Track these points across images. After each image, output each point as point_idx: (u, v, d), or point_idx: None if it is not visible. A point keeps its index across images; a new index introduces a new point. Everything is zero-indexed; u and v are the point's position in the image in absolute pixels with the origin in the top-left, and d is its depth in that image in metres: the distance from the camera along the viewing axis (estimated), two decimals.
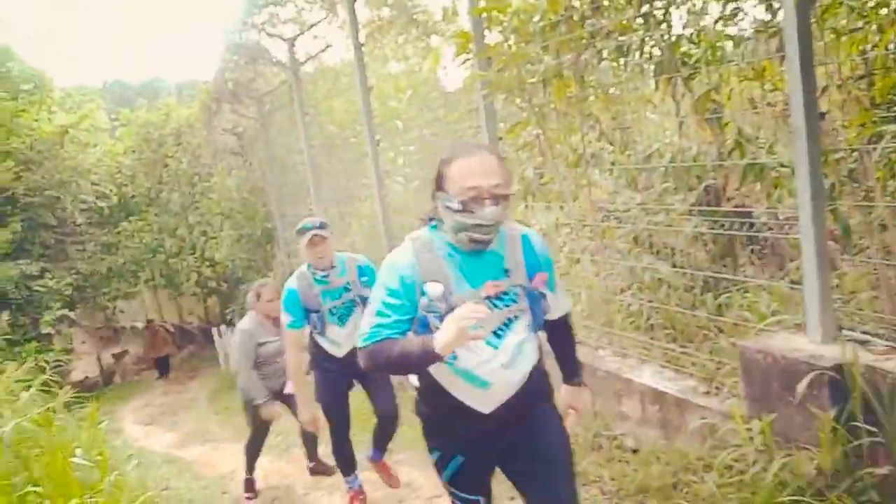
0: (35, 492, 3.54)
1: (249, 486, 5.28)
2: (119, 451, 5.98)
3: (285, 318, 3.99)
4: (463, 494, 2.37)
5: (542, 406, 2.36)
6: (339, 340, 4.07)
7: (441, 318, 2.06)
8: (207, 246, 15.72)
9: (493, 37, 4.85)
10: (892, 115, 3.23)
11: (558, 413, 2.43)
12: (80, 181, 16.96)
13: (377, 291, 2.19)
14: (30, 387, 4.90)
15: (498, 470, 2.41)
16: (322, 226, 3.93)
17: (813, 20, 2.91)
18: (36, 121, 16.51)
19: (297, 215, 9.81)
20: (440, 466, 2.38)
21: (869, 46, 3.16)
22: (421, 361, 2.08)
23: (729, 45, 3.63)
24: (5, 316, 6.78)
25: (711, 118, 3.78)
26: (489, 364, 2.17)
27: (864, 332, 2.98)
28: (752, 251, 4.03)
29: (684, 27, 3.74)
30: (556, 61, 4.22)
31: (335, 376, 4.13)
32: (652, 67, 4.00)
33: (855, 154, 3.28)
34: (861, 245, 3.45)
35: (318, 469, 5.30)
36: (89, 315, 20.50)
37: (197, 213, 16.34)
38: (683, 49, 3.80)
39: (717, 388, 3.50)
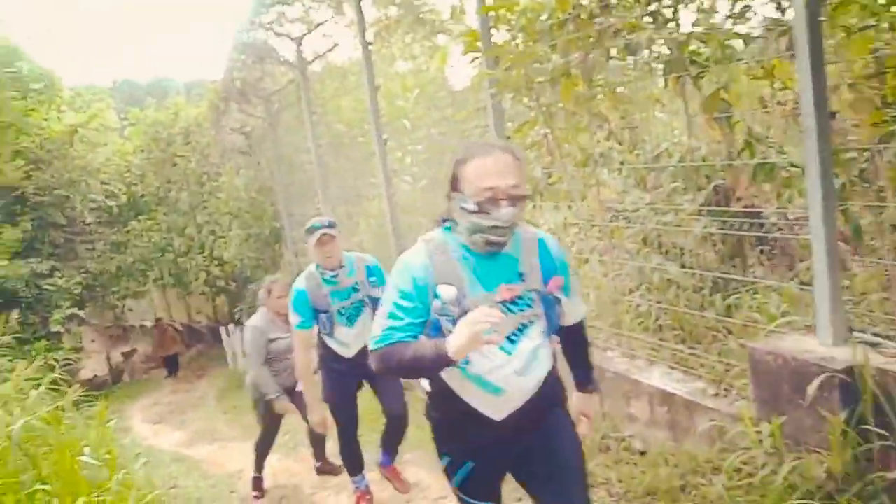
0: (43, 490, 3.54)
1: (257, 484, 5.28)
2: (127, 449, 5.99)
3: (294, 319, 3.96)
4: (473, 500, 2.33)
5: (555, 411, 2.32)
6: (348, 341, 4.05)
7: (454, 322, 2.02)
8: (216, 245, 15.77)
9: (500, 35, 4.83)
10: None
11: (571, 418, 2.39)
12: (89, 180, 17.06)
13: (389, 293, 2.15)
14: (39, 385, 4.91)
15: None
16: (331, 225, 3.91)
17: (823, 18, 2.88)
18: (45, 120, 16.60)
19: (305, 214, 9.82)
20: (450, 472, 2.34)
21: (881, 44, 3.12)
22: (433, 365, 2.03)
23: (738, 43, 3.60)
24: (15, 314, 6.82)
25: (721, 117, 3.75)
26: (502, 370, 2.12)
27: (875, 335, 2.94)
28: (761, 252, 4.00)
29: (693, 25, 3.71)
30: (565, 60, 4.20)
31: (343, 377, 4.12)
32: (661, 66, 3.97)
33: (866, 154, 3.24)
34: (872, 246, 3.41)
35: (325, 469, 5.30)
36: (98, 314, 20.60)
37: (205, 212, 16.39)
38: (692, 48, 3.77)
39: (725, 389, 3.47)
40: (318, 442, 5.24)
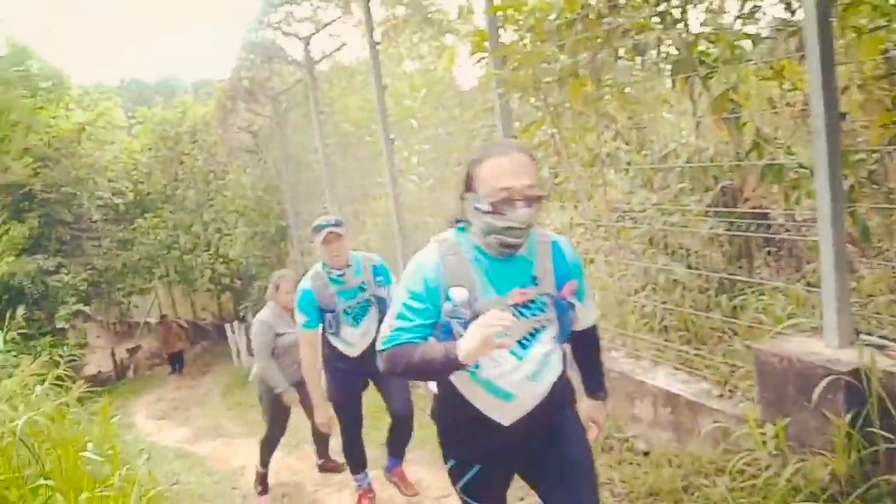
0: (46, 485, 3.55)
1: (262, 480, 5.28)
2: (131, 445, 6.01)
3: (300, 318, 3.94)
4: None
5: (564, 413, 2.28)
6: (353, 341, 4.02)
7: (465, 325, 1.98)
8: (222, 243, 15.82)
9: (508, 35, 4.82)
10: None
11: (580, 419, 2.36)
12: (96, 178, 17.14)
13: (400, 294, 2.11)
14: (43, 381, 4.92)
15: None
16: (337, 223, 3.88)
17: (833, 18, 2.87)
18: (54, 118, 16.69)
19: (312, 213, 9.83)
20: (455, 475, 2.29)
21: (892, 45, 3.11)
22: (442, 369, 1.99)
23: (747, 43, 3.59)
24: (21, 310, 6.83)
25: (729, 118, 3.73)
26: (513, 375, 2.09)
27: (882, 337, 2.92)
28: (768, 253, 3.98)
29: (702, 26, 3.70)
30: (572, 60, 4.19)
31: (348, 376, 4.08)
32: (669, 66, 3.96)
33: (875, 155, 3.23)
34: (880, 248, 3.40)
35: (328, 466, 5.30)
36: (104, 310, 20.71)
37: (212, 210, 16.44)
38: (701, 48, 3.75)
39: (730, 391, 3.46)
40: (320, 439, 5.24)
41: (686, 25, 3.81)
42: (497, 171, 1.98)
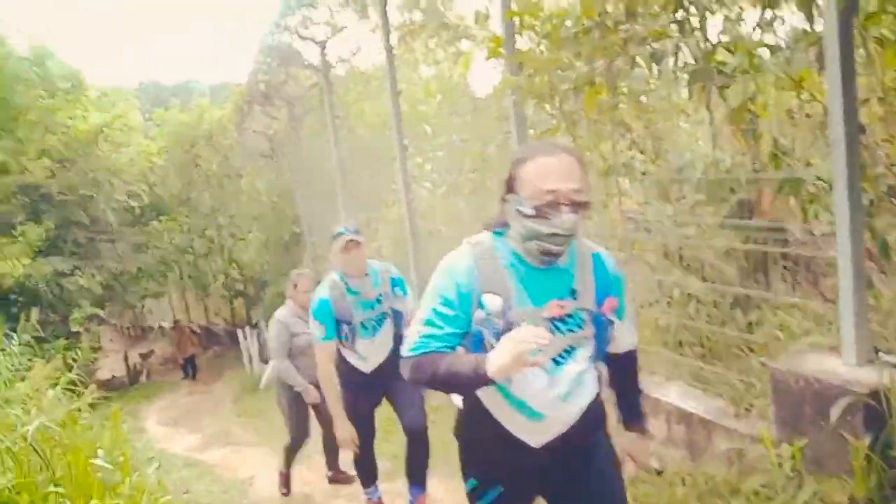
0: (57, 492, 3.54)
1: (285, 481, 5.27)
2: (141, 452, 6.01)
3: (317, 331, 3.82)
4: None
5: (596, 436, 2.15)
6: (367, 354, 3.91)
7: (497, 336, 1.86)
8: (235, 248, 15.88)
9: (524, 42, 4.79)
10: None
11: (611, 444, 2.22)
12: (113, 180, 17.26)
13: (429, 299, 1.97)
14: (56, 385, 4.93)
15: None
16: (357, 231, 3.79)
17: (854, 28, 2.81)
18: (71, 119, 16.80)
19: (325, 219, 9.84)
20: (475, 497, 2.15)
21: None
22: (470, 383, 1.87)
23: (766, 53, 3.52)
24: (35, 313, 6.84)
25: (746, 129, 3.67)
26: (545, 394, 1.95)
27: None
28: (785, 268, 3.91)
29: (720, 34, 3.64)
30: (589, 67, 4.15)
31: (360, 389, 3.97)
32: (686, 75, 3.90)
33: (895, 169, 3.15)
34: None
35: (338, 478, 5.28)
36: (118, 314, 20.80)
37: (226, 214, 16.51)
38: (719, 57, 3.70)
39: (745, 409, 3.39)
40: (331, 450, 5.21)
41: (704, 34, 3.75)
42: (542, 172, 1.85)
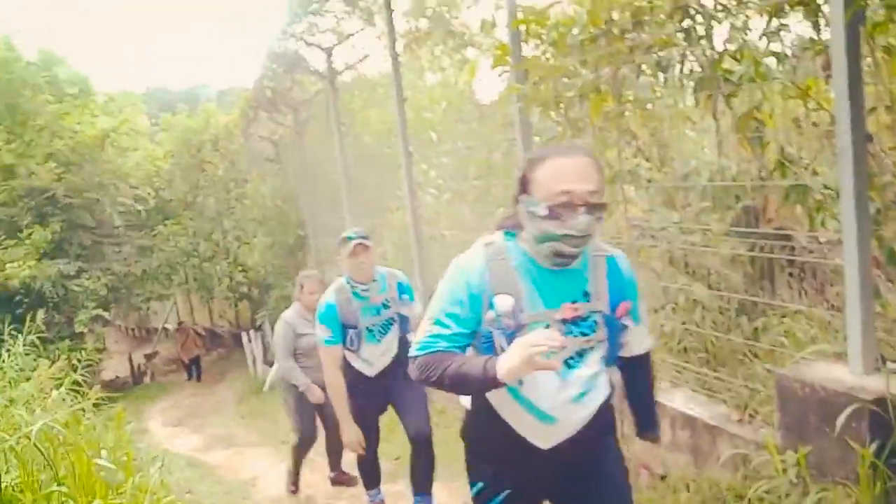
0: (60, 491, 3.55)
1: (294, 479, 5.28)
2: (144, 452, 6.01)
3: (322, 333, 3.81)
4: None
5: (606, 439, 2.14)
6: (373, 360, 3.92)
7: (508, 337, 1.86)
8: (240, 251, 15.92)
9: (530, 49, 4.80)
10: None
11: (619, 448, 2.20)
12: (119, 184, 17.31)
13: (439, 298, 1.96)
14: (61, 385, 4.95)
15: None
16: (366, 236, 3.79)
17: (862, 37, 2.82)
18: (79, 124, 16.87)
19: (330, 224, 9.87)
20: (481, 500, 2.12)
21: None
22: (479, 385, 1.84)
23: (772, 62, 3.54)
24: (41, 314, 6.88)
25: (753, 137, 3.68)
26: (557, 397, 1.93)
27: None
28: (790, 275, 3.91)
29: (726, 43, 3.65)
30: (595, 75, 4.16)
31: (365, 396, 3.95)
32: (692, 83, 3.92)
33: None
34: None
35: (340, 479, 5.28)
36: (123, 315, 20.82)
37: (232, 218, 16.56)
38: (725, 65, 3.71)
39: (750, 415, 3.39)
40: (334, 451, 5.21)
41: (710, 42, 3.76)
42: (557, 172, 1.82)
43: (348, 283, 3.84)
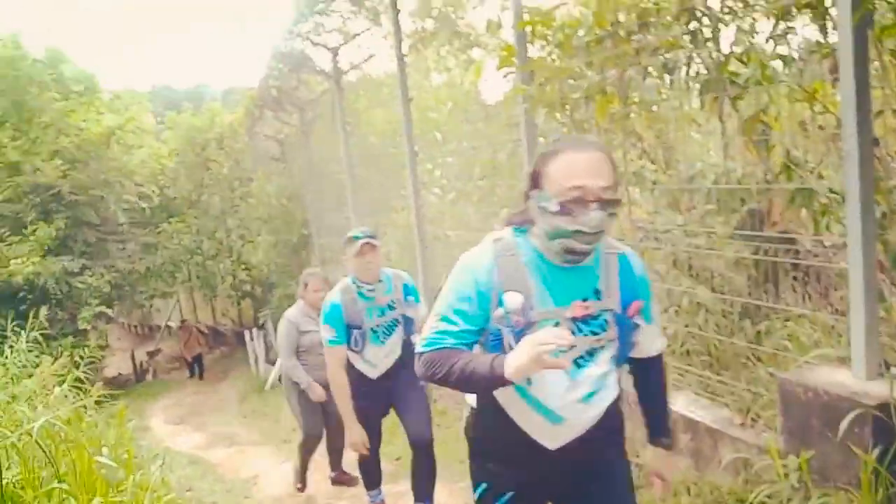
0: (60, 488, 3.55)
1: (301, 477, 5.28)
2: (145, 450, 6.02)
3: (327, 334, 3.80)
4: None
5: (614, 438, 2.11)
6: (376, 361, 3.90)
7: (516, 335, 1.82)
8: (244, 250, 15.93)
9: (536, 51, 4.80)
10: None
11: (626, 455, 2.17)
12: (124, 181, 17.34)
13: (446, 294, 1.92)
14: (63, 381, 4.95)
15: None
16: (373, 235, 3.77)
17: (869, 41, 2.80)
18: (84, 121, 16.91)
19: (334, 223, 9.87)
20: (484, 501, 2.08)
21: None
22: (485, 383, 1.80)
23: (778, 64, 3.52)
24: (44, 310, 6.88)
25: (758, 140, 3.67)
26: (565, 397, 1.89)
27: None
28: (795, 279, 3.90)
29: (733, 45, 3.64)
30: (600, 77, 4.16)
31: (367, 398, 3.92)
32: (698, 86, 3.91)
33: None
34: None
35: (341, 479, 5.27)
36: (126, 313, 20.84)
37: (236, 217, 16.57)
38: (731, 68, 3.70)
39: (752, 419, 3.38)
40: (335, 450, 5.21)
41: (717, 45, 3.75)
42: (570, 167, 1.78)
43: (354, 283, 3.82)
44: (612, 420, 2.03)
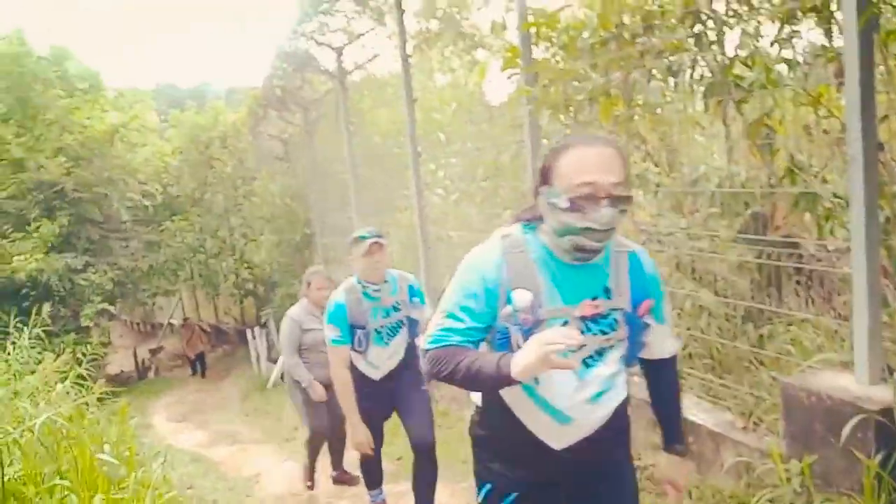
0: (62, 485, 3.55)
1: (310, 475, 5.27)
2: (147, 447, 6.03)
3: (331, 334, 3.77)
4: None
5: (620, 443, 2.08)
6: (379, 363, 3.88)
7: (524, 333, 1.78)
8: (247, 248, 15.94)
9: (540, 52, 4.80)
10: None
11: (633, 462, 2.15)
12: (127, 179, 17.33)
13: (452, 291, 1.89)
14: (65, 378, 4.96)
15: None
16: (380, 234, 3.74)
17: (874, 46, 2.80)
18: (88, 119, 16.92)
19: (338, 223, 9.88)
20: (489, 502, 2.04)
21: None
22: (491, 382, 1.76)
23: (783, 68, 3.52)
24: (47, 307, 6.90)
25: (763, 143, 3.67)
26: (573, 396, 1.86)
27: None
28: (798, 283, 3.90)
29: (737, 48, 3.64)
30: (605, 79, 4.16)
31: (369, 399, 3.89)
32: (702, 89, 3.91)
33: None
34: None
35: (342, 478, 5.27)
36: (128, 310, 20.85)
37: (239, 215, 16.58)
38: (736, 71, 3.70)
39: (755, 423, 3.38)
40: (336, 450, 5.21)
41: (721, 48, 3.75)
42: (580, 163, 1.74)
43: (359, 283, 3.79)
44: (620, 420, 2.00)
